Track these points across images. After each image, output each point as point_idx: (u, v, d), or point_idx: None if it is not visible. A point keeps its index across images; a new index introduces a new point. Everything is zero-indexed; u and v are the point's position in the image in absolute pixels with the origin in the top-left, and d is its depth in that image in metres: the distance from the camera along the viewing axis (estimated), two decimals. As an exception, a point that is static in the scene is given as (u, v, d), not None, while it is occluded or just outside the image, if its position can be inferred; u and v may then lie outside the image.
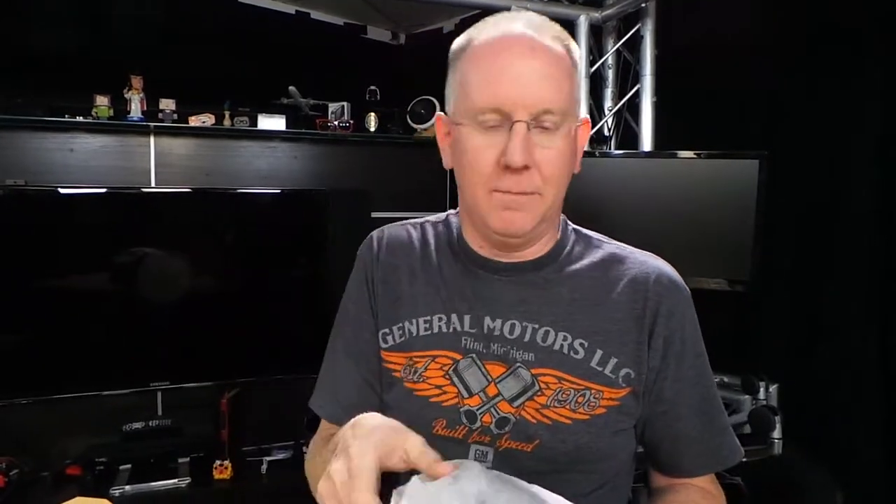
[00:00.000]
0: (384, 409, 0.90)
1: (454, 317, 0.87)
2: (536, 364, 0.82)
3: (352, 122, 2.53)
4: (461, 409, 0.83)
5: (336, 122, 2.53)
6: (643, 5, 2.24)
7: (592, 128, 2.38)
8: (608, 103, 2.44)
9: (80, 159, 2.24)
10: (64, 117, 2.14)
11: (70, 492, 1.96)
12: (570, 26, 2.25)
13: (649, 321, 0.83)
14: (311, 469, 0.88)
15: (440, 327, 0.87)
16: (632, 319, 0.83)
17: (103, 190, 2.17)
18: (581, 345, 0.83)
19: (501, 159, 0.76)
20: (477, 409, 0.83)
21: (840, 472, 1.75)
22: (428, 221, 0.97)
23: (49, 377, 2.09)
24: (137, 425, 2.25)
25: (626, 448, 0.85)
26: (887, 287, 1.78)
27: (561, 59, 0.79)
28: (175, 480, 2.11)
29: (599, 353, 0.82)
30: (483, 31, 0.81)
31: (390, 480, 0.65)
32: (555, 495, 0.65)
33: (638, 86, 2.34)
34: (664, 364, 0.83)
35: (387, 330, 0.90)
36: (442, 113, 0.87)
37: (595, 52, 2.43)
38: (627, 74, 2.40)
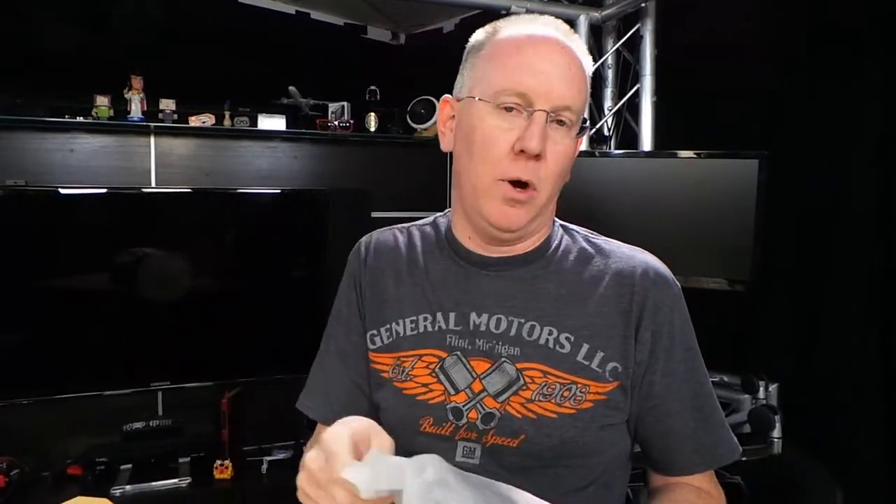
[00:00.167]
0: (374, 410, 0.92)
1: (439, 315, 0.88)
2: (522, 358, 0.83)
3: (352, 122, 2.54)
4: (447, 407, 0.84)
5: (336, 122, 2.53)
6: (643, 5, 2.24)
7: (592, 127, 2.38)
8: (608, 103, 2.44)
9: (80, 159, 2.24)
10: (64, 117, 2.14)
11: (71, 492, 1.96)
12: (570, 26, 2.25)
13: (636, 315, 0.83)
14: None
15: (426, 326, 0.88)
16: (618, 313, 0.84)
17: (103, 190, 2.17)
18: (567, 339, 0.83)
19: (517, 144, 0.78)
20: (463, 406, 0.83)
21: (840, 471, 1.75)
22: (415, 225, 0.99)
23: (50, 377, 2.09)
24: (138, 425, 2.25)
25: (617, 444, 0.85)
26: (887, 287, 1.79)
27: (583, 67, 0.83)
28: (176, 480, 2.12)
29: (586, 347, 0.83)
30: (512, 25, 0.84)
31: None
32: (534, 498, 0.65)
33: (638, 85, 2.34)
34: (652, 358, 0.83)
35: (374, 331, 0.92)
36: (449, 96, 0.89)
37: (595, 51, 2.43)
38: (627, 74, 2.40)
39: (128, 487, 2.04)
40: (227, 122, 2.34)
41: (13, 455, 2.05)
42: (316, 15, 2.74)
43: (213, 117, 2.31)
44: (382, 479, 0.60)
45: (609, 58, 2.42)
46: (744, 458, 0.88)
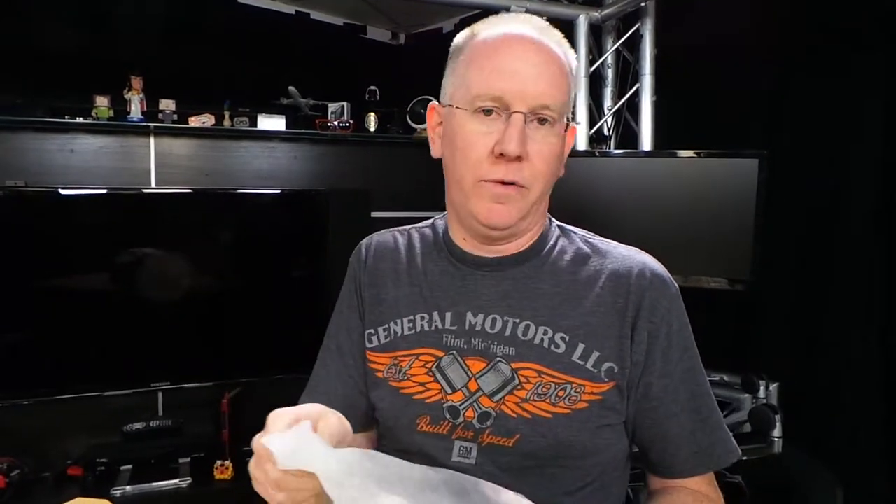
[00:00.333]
0: (371, 409, 0.93)
1: (436, 315, 0.88)
2: (517, 358, 0.83)
3: (351, 122, 2.54)
4: (444, 405, 0.84)
5: (336, 122, 2.53)
6: (642, 4, 2.24)
7: (592, 127, 2.38)
8: (608, 103, 2.44)
9: (80, 160, 2.24)
10: (64, 118, 2.14)
11: (71, 492, 1.96)
12: (569, 26, 2.25)
13: (631, 315, 0.83)
14: None
15: (423, 326, 0.89)
16: (614, 313, 0.84)
17: (103, 190, 2.17)
18: (562, 339, 0.83)
19: (496, 147, 0.79)
20: (460, 405, 0.84)
21: (840, 470, 1.75)
22: (415, 227, 1.00)
23: (50, 378, 2.09)
24: (138, 426, 2.25)
25: (614, 446, 0.84)
26: (887, 286, 1.79)
27: (561, 61, 0.82)
28: (176, 481, 2.12)
29: (581, 347, 0.82)
30: (489, 27, 0.84)
31: None
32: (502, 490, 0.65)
33: (637, 85, 2.34)
34: (649, 359, 0.83)
35: (372, 331, 0.93)
36: (436, 102, 0.90)
37: (594, 51, 2.43)
38: (627, 74, 2.40)
39: (128, 488, 2.04)
40: (226, 123, 2.34)
41: (13, 456, 2.05)
42: (315, 15, 2.75)
43: (212, 117, 2.31)
44: (303, 454, 0.60)
45: (609, 57, 2.42)
46: (744, 458, 0.88)
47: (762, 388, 1.89)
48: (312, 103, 2.55)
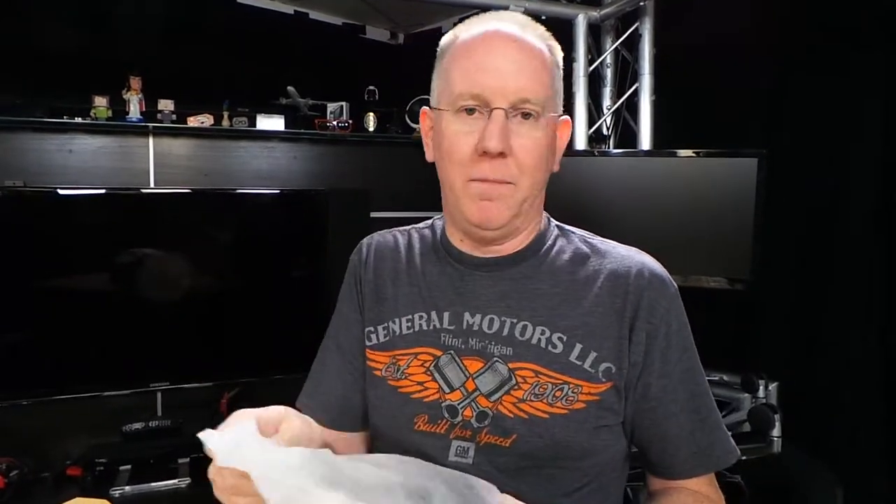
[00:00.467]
0: (371, 407, 0.93)
1: (434, 314, 0.88)
2: (514, 358, 0.83)
3: (351, 122, 2.54)
4: (443, 404, 0.84)
5: (335, 122, 2.53)
6: (641, 4, 2.24)
7: (591, 127, 2.38)
8: (607, 102, 2.43)
9: (78, 160, 2.24)
10: (63, 118, 2.14)
11: (70, 492, 1.96)
12: (568, 25, 2.25)
13: (630, 315, 0.83)
14: None
15: (421, 325, 0.89)
16: (612, 314, 0.83)
17: (102, 191, 2.17)
18: (560, 339, 0.83)
19: (479, 145, 0.79)
20: (458, 404, 0.83)
21: (840, 470, 1.75)
22: (415, 228, 1.00)
23: (49, 378, 2.09)
24: (137, 426, 2.24)
25: (612, 446, 0.84)
26: (887, 286, 1.79)
27: (541, 54, 0.82)
28: (175, 481, 2.11)
29: (579, 347, 0.82)
30: (469, 28, 0.84)
31: None
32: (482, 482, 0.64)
33: (637, 84, 2.33)
34: (648, 360, 0.83)
35: (371, 328, 0.93)
36: (427, 107, 0.91)
37: (593, 51, 2.43)
38: (626, 73, 2.40)
39: (127, 488, 2.04)
40: (225, 123, 2.34)
41: (12, 456, 2.05)
42: (314, 15, 2.74)
43: (211, 118, 2.31)
44: (241, 452, 0.59)
45: (608, 57, 2.42)
46: (743, 458, 0.88)
47: (762, 387, 1.89)
48: (311, 103, 2.54)
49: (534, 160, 0.81)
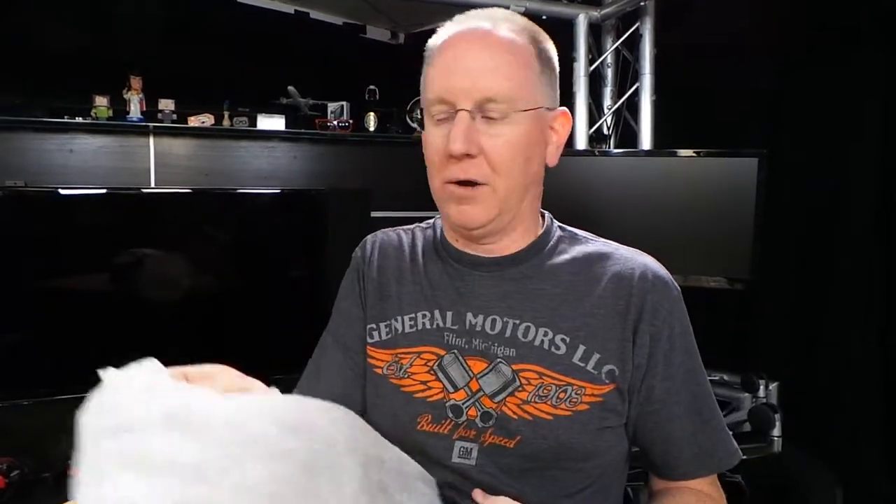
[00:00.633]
0: (370, 406, 0.92)
1: (437, 313, 0.88)
2: (517, 360, 0.83)
3: (351, 121, 2.54)
4: (447, 404, 0.84)
5: (335, 122, 2.53)
6: (642, 4, 2.24)
7: (591, 126, 2.38)
8: (607, 102, 2.44)
9: (79, 160, 2.24)
10: (63, 118, 2.14)
11: (71, 492, 1.96)
12: (568, 25, 2.25)
13: (633, 317, 0.83)
14: None
15: (424, 324, 0.89)
16: (616, 315, 0.83)
17: (103, 191, 2.17)
18: (563, 340, 0.83)
19: (445, 148, 0.79)
20: (462, 403, 0.83)
21: (840, 470, 1.76)
22: (418, 227, 1.00)
23: (49, 378, 2.09)
24: (138, 425, 2.24)
25: (615, 448, 0.84)
26: (887, 286, 1.79)
27: (515, 48, 0.81)
28: (175, 480, 2.11)
29: (582, 348, 0.82)
30: (446, 30, 0.84)
31: None
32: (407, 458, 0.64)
33: (637, 84, 2.34)
34: (652, 362, 0.83)
35: (373, 325, 0.92)
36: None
37: (594, 50, 2.43)
38: (627, 73, 2.40)
39: (128, 488, 2.04)
40: (226, 123, 2.34)
41: (13, 456, 2.05)
42: (315, 14, 2.74)
43: (212, 117, 2.31)
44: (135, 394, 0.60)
45: (608, 56, 2.42)
46: (743, 458, 0.88)
47: (762, 387, 1.89)
48: (312, 103, 2.55)
49: (506, 159, 0.80)
